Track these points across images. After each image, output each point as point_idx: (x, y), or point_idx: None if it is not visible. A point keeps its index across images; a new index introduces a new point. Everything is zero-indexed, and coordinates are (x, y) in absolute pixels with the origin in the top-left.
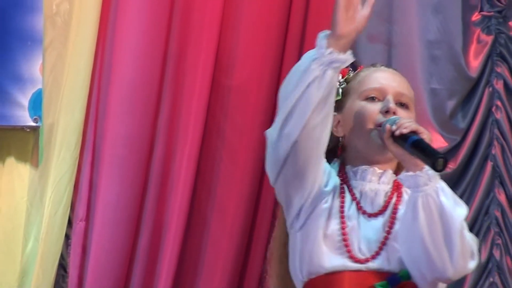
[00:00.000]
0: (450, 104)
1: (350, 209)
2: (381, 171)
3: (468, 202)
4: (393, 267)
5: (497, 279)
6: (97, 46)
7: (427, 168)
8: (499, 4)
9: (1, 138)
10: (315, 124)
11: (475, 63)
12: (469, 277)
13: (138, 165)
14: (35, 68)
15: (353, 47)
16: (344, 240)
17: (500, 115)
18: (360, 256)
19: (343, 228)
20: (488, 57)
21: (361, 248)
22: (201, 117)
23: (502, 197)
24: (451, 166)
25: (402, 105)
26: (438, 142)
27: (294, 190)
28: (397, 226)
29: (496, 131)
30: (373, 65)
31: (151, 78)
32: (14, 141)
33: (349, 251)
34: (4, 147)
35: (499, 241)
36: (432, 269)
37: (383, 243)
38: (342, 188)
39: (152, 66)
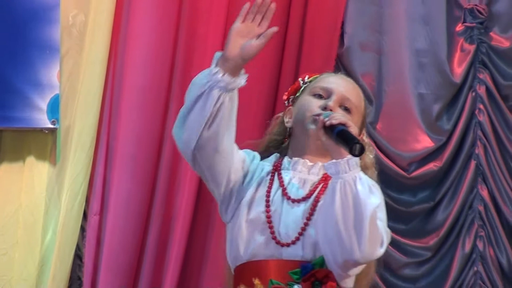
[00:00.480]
0: (436, 107)
1: (276, 195)
2: (312, 163)
3: (453, 197)
4: (306, 254)
5: (480, 268)
6: (110, 55)
7: (349, 157)
8: (480, 16)
9: (22, 139)
10: (208, 136)
11: (459, 70)
12: (454, 267)
13: (148, 163)
14: (53, 75)
15: (347, 55)
16: (268, 222)
17: (482, 118)
18: (279, 239)
19: (267, 212)
20: (471, 64)
21: (280, 232)
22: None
23: (484, 193)
24: (437, 165)
25: (345, 109)
26: (425, 142)
27: (212, 185)
28: (316, 215)
29: (479, 132)
30: (335, 72)
31: (159, 84)
32: (34, 142)
33: (272, 233)
34: (24, 147)
35: (482, 233)
36: (342, 250)
37: (303, 229)
38: (272, 176)
39: (161, 73)
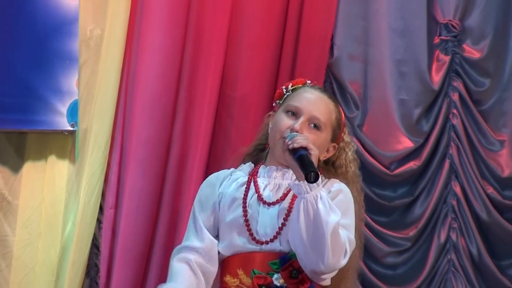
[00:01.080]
0: (416, 112)
1: (251, 199)
2: (286, 169)
3: (429, 193)
4: (284, 248)
5: (453, 256)
6: (123, 65)
7: (300, 184)
8: (454, 30)
9: (44, 140)
10: None
11: (436, 78)
12: (431, 255)
13: (157, 163)
14: (72, 83)
15: (336, 64)
16: (246, 225)
17: (456, 121)
18: (258, 238)
19: (245, 216)
20: (446, 73)
21: (258, 231)
22: (210, 122)
23: (457, 189)
24: (416, 164)
25: (314, 126)
26: (405, 143)
27: None
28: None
29: (453, 134)
30: (312, 85)
31: (168, 91)
32: (55, 143)
33: (251, 234)
34: (47, 147)
35: (455, 225)
36: (308, 262)
37: (280, 229)
38: (248, 183)
39: (169, 81)
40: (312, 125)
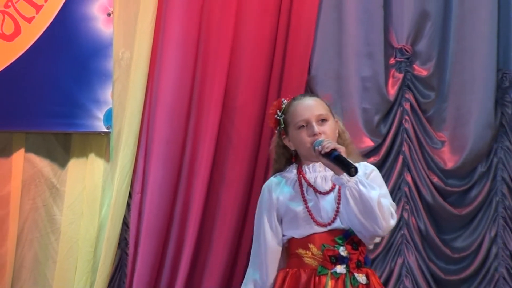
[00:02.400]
0: (375, 118)
1: (308, 192)
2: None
3: (387, 182)
4: (345, 225)
5: (406, 232)
6: (148, 80)
7: (342, 175)
8: (406, 53)
9: (85, 140)
10: None
11: (391, 92)
12: None
13: (174, 159)
14: (107, 94)
15: (313, 80)
16: (309, 214)
17: (407, 125)
18: (321, 221)
19: (306, 207)
20: (400, 87)
21: (322, 216)
22: (216, 127)
23: (409, 179)
24: (376, 159)
25: (322, 120)
26: (367, 143)
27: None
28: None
29: (405, 135)
30: (294, 98)
31: (183, 102)
32: (94, 142)
33: (314, 220)
34: (87, 146)
35: (407, 207)
36: (367, 232)
37: (337, 211)
38: (300, 181)
39: (183, 94)
40: (321, 121)
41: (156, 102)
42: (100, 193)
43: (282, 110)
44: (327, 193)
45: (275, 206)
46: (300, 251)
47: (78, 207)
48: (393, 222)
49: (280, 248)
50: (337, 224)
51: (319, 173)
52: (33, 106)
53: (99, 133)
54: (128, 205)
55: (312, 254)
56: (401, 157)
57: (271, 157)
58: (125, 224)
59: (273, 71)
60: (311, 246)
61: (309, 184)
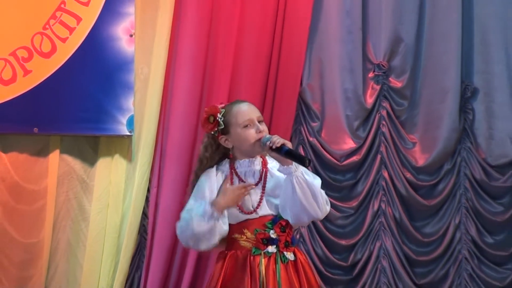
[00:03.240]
0: (356, 123)
1: (239, 184)
2: (253, 159)
3: (367, 177)
4: (273, 212)
5: (383, 219)
6: (163, 92)
7: (294, 164)
8: (383, 68)
9: (111, 142)
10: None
11: (370, 100)
12: (367, 219)
13: (185, 158)
14: (130, 103)
15: (304, 91)
16: (237, 205)
17: (384, 129)
18: (247, 210)
19: None
20: (377, 97)
21: (250, 206)
22: None
23: (385, 174)
24: (358, 157)
25: (260, 122)
26: (350, 144)
27: None
28: (269, 186)
29: (382, 138)
30: (236, 101)
31: (193, 109)
32: (118, 144)
33: (241, 210)
34: (112, 146)
35: (384, 199)
36: (308, 215)
37: (261, 198)
38: (231, 175)
39: (193, 102)
40: (259, 121)
41: (170, 109)
42: (123, 187)
43: (222, 113)
44: (255, 185)
45: (214, 187)
46: (236, 235)
47: (104, 199)
48: (329, 208)
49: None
50: (265, 211)
51: (248, 168)
52: (67, 113)
53: (123, 136)
54: (147, 198)
55: (247, 237)
56: (379, 156)
57: (202, 157)
58: (144, 214)
59: (269, 84)
60: (245, 231)
61: (240, 178)
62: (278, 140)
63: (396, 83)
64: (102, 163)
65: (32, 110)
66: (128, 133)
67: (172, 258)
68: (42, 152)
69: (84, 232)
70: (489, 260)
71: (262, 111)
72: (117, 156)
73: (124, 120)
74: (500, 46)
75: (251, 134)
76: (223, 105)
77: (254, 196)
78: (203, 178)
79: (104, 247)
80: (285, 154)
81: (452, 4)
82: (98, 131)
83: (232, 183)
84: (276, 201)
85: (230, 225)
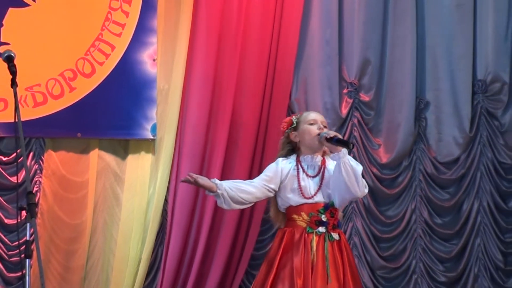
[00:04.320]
0: (334, 129)
1: (302, 176)
2: (315, 155)
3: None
4: (326, 200)
5: (355, 205)
6: (181, 104)
7: (343, 150)
8: (355, 85)
9: (138, 144)
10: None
11: (344, 111)
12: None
13: (198, 157)
14: (153, 113)
15: (292, 103)
16: (301, 190)
17: (356, 134)
18: (309, 195)
19: (299, 185)
20: (350, 108)
21: (310, 192)
22: (226, 136)
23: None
24: None
25: (324, 126)
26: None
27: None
28: (326, 179)
29: (354, 140)
30: (308, 111)
31: (204, 118)
32: (144, 146)
33: (303, 194)
34: (140, 148)
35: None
36: (350, 195)
37: (319, 187)
38: (297, 168)
39: (204, 113)
40: (323, 125)
41: (185, 118)
42: (148, 179)
43: (297, 117)
44: (315, 176)
45: (280, 171)
46: (294, 216)
47: (133, 189)
48: (366, 190)
49: (261, 187)
50: (320, 198)
51: (311, 162)
52: (104, 121)
53: (147, 140)
54: (167, 188)
55: (303, 219)
56: (351, 155)
57: (280, 148)
58: (165, 200)
59: (265, 98)
60: (302, 213)
61: (303, 170)
62: (331, 132)
63: (365, 97)
64: (132, 160)
65: (76, 119)
66: (152, 137)
67: (188, 235)
68: (84, 151)
69: (118, 214)
70: (438, 237)
71: (259, 120)
72: (143, 155)
73: (148, 127)
74: (446, 69)
75: (314, 129)
76: (297, 115)
77: (313, 185)
78: (273, 163)
79: (133, 226)
80: (336, 142)
81: (408, 35)
82: (128, 135)
83: (298, 173)
84: (329, 191)
85: (290, 207)
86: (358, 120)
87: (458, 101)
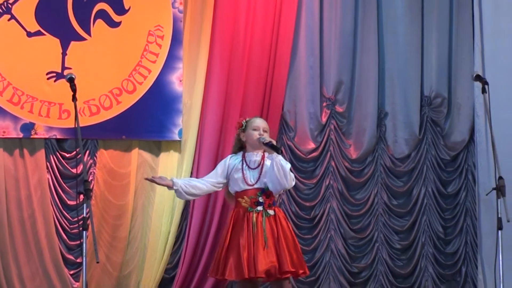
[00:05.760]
0: (316, 132)
1: (245, 168)
2: (256, 152)
3: (321, 165)
4: (263, 186)
5: (331, 191)
6: (200, 115)
7: (274, 154)
8: (331, 100)
9: (168, 144)
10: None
11: (324, 119)
12: (322, 190)
13: (213, 155)
14: (179, 121)
15: (285, 115)
16: (244, 179)
17: (332, 136)
18: (250, 183)
19: (243, 175)
20: (328, 117)
21: (251, 180)
22: (233, 135)
23: (333, 163)
24: (316, 154)
25: (264, 131)
26: (312, 145)
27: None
28: (263, 171)
29: (331, 141)
30: (256, 117)
31: (218, 124)
32: (172, 146)
33: (246, 182)
34: (169, 147)
35: (332, 178)
36: (281, 187)
37: (258, 178)
38: (242, 162)
39: (218, 122)
40: (264, 131)
41: (204, 125)
42: (176, 171)
43: (246, 121)
44: (255, 168)
45: (227, 166)
46: (239, 199)
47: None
48: (294, 182)
49: (209, 184)
50: (258, 185)
51: (252, 157)
52: (142, 127)
53: (175, 141)
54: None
55: (245, 201)
56: (329, 153)
57: (234, 144)
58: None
59: (264, 108)
60: (245, 197)
61: (246, 164)
62: (267, 138)
63: (339, 109)
64: (163, 156)
65: (121, 125)
66: (178, 139)
67: (205, 213)
68: (127, 150)
69: (152, 198)
70: (394, 215)
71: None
72: (172, 153)
73: (176, 131)
74: (400, 88)
75: (255, 134)
76: (245, 119)
77: (254, 175)
78: (222, 161)
79: (164, 207)
80: (270, 146)
81: (372, 63)
82: (160, 138)
83: (242, 166)
84: (265, 180)
85: (236, 192)
86: (334, 126)
87: (410, 112)
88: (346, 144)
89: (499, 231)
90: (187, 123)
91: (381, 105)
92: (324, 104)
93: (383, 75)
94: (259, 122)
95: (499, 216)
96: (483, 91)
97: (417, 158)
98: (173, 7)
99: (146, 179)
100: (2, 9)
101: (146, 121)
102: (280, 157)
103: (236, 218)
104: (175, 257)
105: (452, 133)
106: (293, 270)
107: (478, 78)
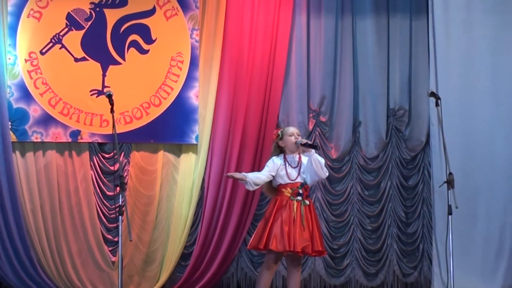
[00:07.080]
0: (304, 137)
1: (287, 166)
2: (294, 154)
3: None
4: (302, 181)
5: (317, 184)
6: (212, 124)
7: (312, 151)
8: (316, 112)
9: (188, 147)
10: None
11: (311, 127)
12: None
13: (221, 156)
14: (196, 129)
15: (279, 125)
16: (288, 175)
17: (318, 140)
18: (291, 178)
19: (287, 172)
20: (314, 126)
21: (293, 176)
22: (239, 142)
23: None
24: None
25: (298, 135)
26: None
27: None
28: (302, 168)
29: (318, 140)
30: (288, 127)
31: (227, 133)
32: (190, 148)
33: (289, 178)
34: (188, 149)
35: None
36: (318, 177)
37: (298, 174)
38: (284, 163)
39: (226, 131)
40: (298, 135)
41: (215, 132)
42: (193, 169)
43: (282, 131)
44: (294, 167)
45: (275, 164)
46: (283, 190)
47: (184, 174)
48: (327, 174)
49: (267, 175)
50: (298, 180)
51: (292, 158)
52: (167, 133)
53: (193, 144)
54: (204, 173)
55: (288, 191)
56: (317, 152)
57: (272, 150)
58: (203, 180)
59: (263, 118)
60: (288, 188)
61: (288, 163)
62: (303, 140)
63: (323, 119)
64: (184, 157)
65: (150, 132)
66: (195, 143)
67: (216, 202)
68: (155, 151)
69: (175, 189)
70: (366, 202)
71: (259, 131)
72: (190, 154)
73: (193, 137)
74: (371, 102)
75: (292, 139)
76: (280, 129)
77: (295, 172)
78: (270, 160)
79: (184, 196)
80: (308, 146)
81: (348, 81)
82: (181, 142)
83: (285, 165)
84: (304, 175)
85: (280, 184)
86: (319, 132)
87: (378, 121)
88: (328, 146)
89: (449, 216)
90: (202, 130)
91: (356, 115)
92: (311, 115)
93: (357, 92)
94: (292, 129)
95: (449, 203)
96: (437, 104)
97: (384, 157)
98: (191, 38)
99: (227, 175)
100: (54, 40)
101: (170, 128)
102: (316, 154)
103: (280, 204)
104: (192, 237)
105: (412, 138)
106: (321, 249)
107: (433, 94)
